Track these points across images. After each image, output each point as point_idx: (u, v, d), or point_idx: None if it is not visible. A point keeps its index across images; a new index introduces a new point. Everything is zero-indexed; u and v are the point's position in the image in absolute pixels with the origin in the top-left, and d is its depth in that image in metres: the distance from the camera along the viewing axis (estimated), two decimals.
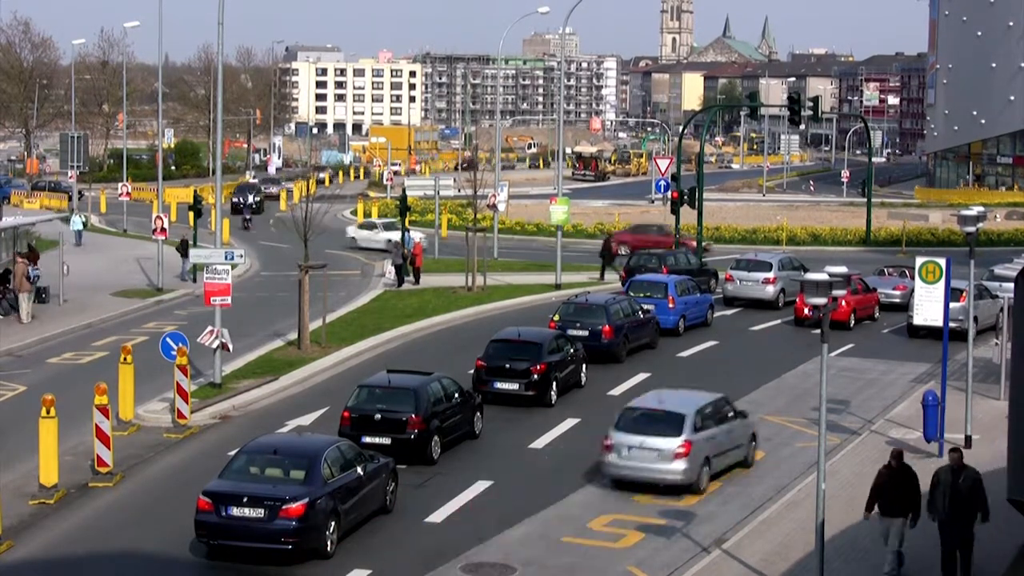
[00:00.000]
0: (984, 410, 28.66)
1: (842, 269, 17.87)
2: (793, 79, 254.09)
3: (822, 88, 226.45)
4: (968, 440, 26.75)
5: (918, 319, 27.15)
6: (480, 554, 20.63)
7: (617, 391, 32.63)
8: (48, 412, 23.10)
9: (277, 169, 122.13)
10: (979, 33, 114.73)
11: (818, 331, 18.03)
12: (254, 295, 47.15)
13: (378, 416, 25.51)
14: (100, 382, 24.95)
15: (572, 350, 32.43)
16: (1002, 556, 20.28)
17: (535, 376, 30.38)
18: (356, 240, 64.31)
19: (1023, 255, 53.39)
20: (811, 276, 17.48)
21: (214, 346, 30.95)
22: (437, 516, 22.56)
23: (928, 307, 26.17)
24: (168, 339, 29.19)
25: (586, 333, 35.25)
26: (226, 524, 19.95)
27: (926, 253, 30.97)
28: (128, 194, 70.79)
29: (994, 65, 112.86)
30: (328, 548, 20.33)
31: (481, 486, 24.26)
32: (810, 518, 19.99)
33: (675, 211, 56.18)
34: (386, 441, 25.02)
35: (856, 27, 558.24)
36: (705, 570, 19.97)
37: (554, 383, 30.77)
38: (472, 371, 31.18)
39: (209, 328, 31.00)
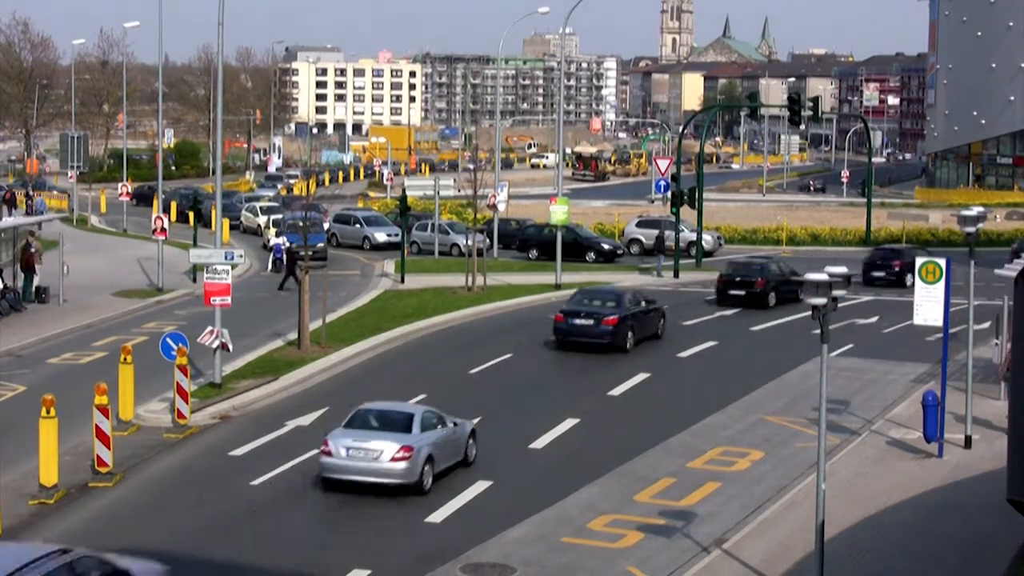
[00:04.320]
0: (984, 410, 28.68)
1: (842, 269, 17.86)
2: (793, 79, 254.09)
3: (822, 88, 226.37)
4: (968, 440, 26.77)
5: (918, 319, 27.06)
6: (480, 554, 20.63)
7: (617, 391, 32.67)
8: (48, 412, 23.08)
9: (277, 169, 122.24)
10: (979, 33, 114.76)
11: (818, 331, 18.02)
12: (254, 295, 47.15)
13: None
14: (100, 382, 24.93)
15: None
16: (1002, 556, 20.28)
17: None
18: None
19: (1023, 256, 53.39)
20: (812, 276, 17.47)
21: (214, 346, 30.95)
22: (437, 516, 22.56)
23: (927, 307, 26.15)
24: (168, 339, 29.17)
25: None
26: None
27: (926, 253, 30.99)
28: (128, 194, 70.89)
29: (994, 65, 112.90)
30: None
31: (481, 486, 24.26)
32: (810, 518, 19.99)
33: (675, 211, 56.22)
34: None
35: (856, 27, 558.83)
36: (705, 570, 19.96)
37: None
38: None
39: (209, 328, 31.00)
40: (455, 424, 25.80)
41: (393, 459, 23.66)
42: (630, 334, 37.29)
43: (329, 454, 24.02)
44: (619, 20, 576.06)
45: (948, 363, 28.29)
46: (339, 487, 23.65)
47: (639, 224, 65.78)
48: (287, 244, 51.31)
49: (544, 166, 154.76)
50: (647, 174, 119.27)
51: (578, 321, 37.07)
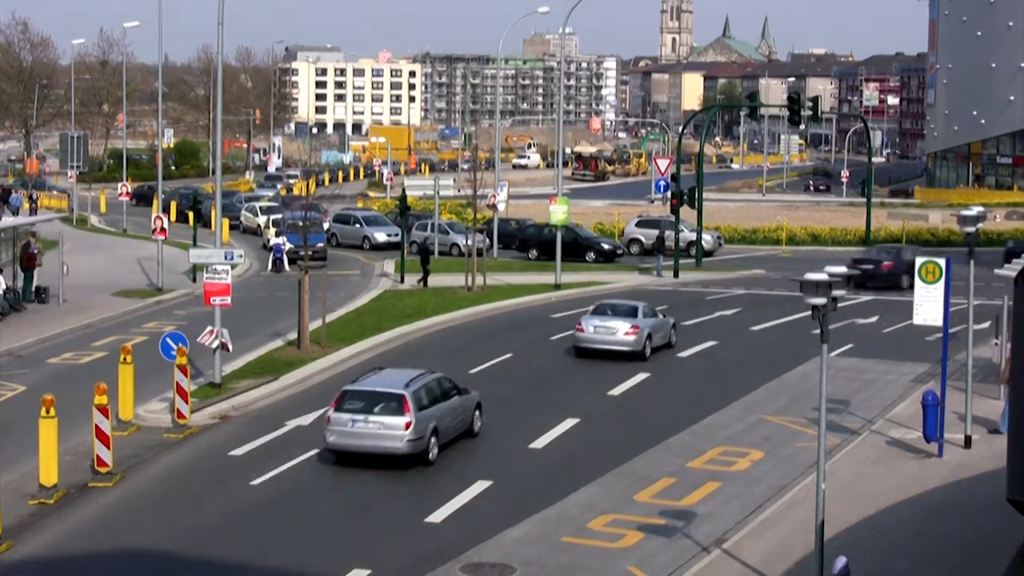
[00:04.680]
0: (984, 410, 28.68)
1: (841, 269, 17.84)
2: (793, 79, 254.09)
3: (822, 88, 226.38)
4: (968, 440, 26.77)
5: (918, 319, 27.05)
6: (480, 554, 20.62)
7: (617, 391, 32.68)
8: (48, 412, 23.08)
9: (277, 169, 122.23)
10: (979, 33, 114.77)
11: (818, 331, 18.01)
12: (254, 295, 47.14)
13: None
14: (100, 382, 24.94)
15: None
16: (1002, 556, 20.28)
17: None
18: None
19: (1023, 256, 53.44)
20: (811, 276, 17.45)
21: (214, 346, 30.95)
22: (437, 516, 22.55)
23: (927, 307, 26.15)
24: (168, 339, 29.17)
25: None
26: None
27: (926, 253, 31.00)
28: (128, 194, 70.89)
29: (994, 65, 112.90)
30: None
31: (481, 486, 24.25)
32: (810, 518, 20.00)
33: (675, 211, 56.23)
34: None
35: (856, 27, 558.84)
36: (705, 570, 19.96)
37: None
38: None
39: (209, 328, 31.00)
40: (664, 315, 38.48)
41: (626, 333, 35.92)
42: (904, 277, 48.73)
43: (582, 330, 36.27)
44: (619, 20, 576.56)
45: (948, 363, 28.30)
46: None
47: (639, 224, 65.74)
48: (424, 238, 51.78)
49: (527, 167, 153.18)
50: (647, 174, 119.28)
51: (864, 266, 51.30)
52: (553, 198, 51.42)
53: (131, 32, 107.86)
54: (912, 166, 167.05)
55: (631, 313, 36.67)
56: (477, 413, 27.97)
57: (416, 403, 25.04)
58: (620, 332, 35.78)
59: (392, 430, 24.73)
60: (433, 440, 25.49)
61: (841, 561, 17.02)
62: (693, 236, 60.16)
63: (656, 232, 59.73)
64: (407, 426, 24.72)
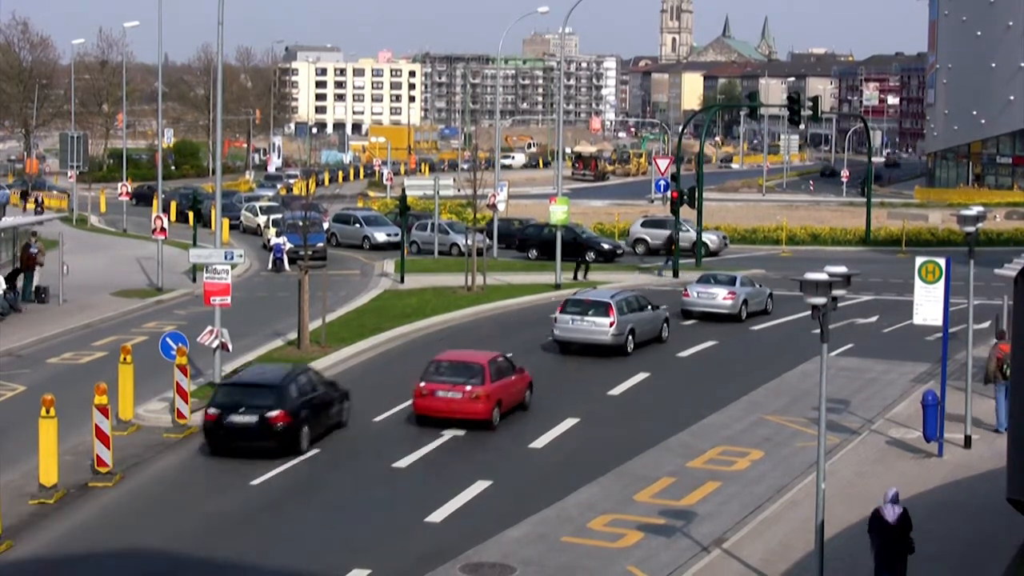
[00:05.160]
0: (984, 410, 28.67)
1: (841, 269, 17.84)
2: (793, 79, 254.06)
3: (822, 88, 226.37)
4: (968, 440, 26.77)
5: (917, 319, 27.08)
6: (480, 554, 20.62)
7: (617, 391, 32.68)
8: (48, 412, 23.08)
9: (277, 169, 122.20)
10: (979, 33, 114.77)
11: (818, 331, 18.01)
12: (254, 295, 47.13)
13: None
14: (100, 382, 24.94)
15: None
16: (1002, 556, 20.28)
17: None
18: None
19: (1023, 255, 53.52)
20: (811, 276, 17.45)
21: (214, 346, 30.94)
22: (437, 516, 22.55)
23: (927, 307, 26.15)
24: (168, 339, 29.19)
25: None
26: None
27: (926, 253, 30.98)
28: (128, 194, 70.88)
29: (994, 65, 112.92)
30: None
31: (481, 486, 24.25)
32: (810, 518, 20.00)
33: (675, 211, 56.23)
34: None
35: (856, 27, 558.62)
36: (705, 570, 19.96)
37: None
38: None
39: (209, 328, 31.00)
40: (760, 286, 44.93)
41: (724, 298, 42.50)
42: None
43: (687, 296, 42.88)
44: (619, 20, 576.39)
45: (948, 363, 28.29)
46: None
47: (644, 224, 65.82)
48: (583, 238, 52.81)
49: (511, 167, 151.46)
50: (647, 174, 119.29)
51: None
52: (553, 198, 51.38)
53: (131, 32, 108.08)
54: (911, 165, 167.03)
55: (730, 282, 43.51)
56: (665, 325, 38.60)
57: (618, 309, 35.68)
58: (719, 297, 42.59)
59: (601, 327, 35.49)
60: (630, 338, 36.20)
61: (892, 490, 18.04)
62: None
63: (661, 232, 60.59)
64: (611, 324, 35.43)
